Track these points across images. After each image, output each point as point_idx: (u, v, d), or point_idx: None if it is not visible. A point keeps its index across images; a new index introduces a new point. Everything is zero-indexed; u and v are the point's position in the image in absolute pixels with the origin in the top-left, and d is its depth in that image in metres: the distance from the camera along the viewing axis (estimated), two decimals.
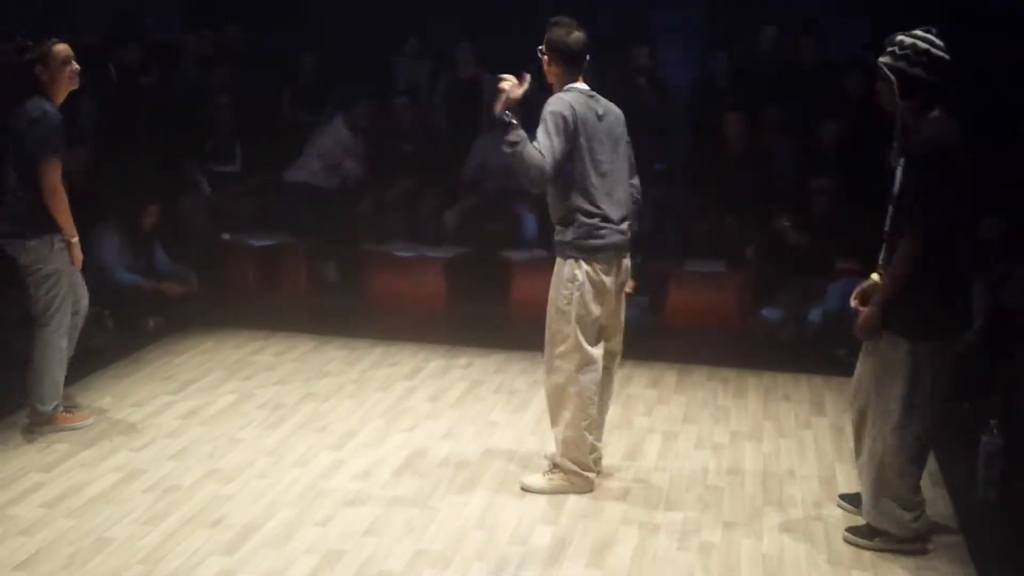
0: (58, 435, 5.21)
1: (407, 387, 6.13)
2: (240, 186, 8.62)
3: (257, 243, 8.17)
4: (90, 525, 4.34)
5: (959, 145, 4.01)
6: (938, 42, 4.04)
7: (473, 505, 4.61)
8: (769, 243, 7.47)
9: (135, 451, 5.10)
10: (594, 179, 4.51)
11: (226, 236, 8.23)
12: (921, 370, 4.08)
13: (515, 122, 4.32)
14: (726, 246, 7.69)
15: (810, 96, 8.06)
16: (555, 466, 4.78)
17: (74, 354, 5.44)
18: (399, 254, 7.94)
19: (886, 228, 4.17)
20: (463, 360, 6.63)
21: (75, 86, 5.16)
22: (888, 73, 4.04)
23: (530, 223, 8.09)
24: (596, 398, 4.66)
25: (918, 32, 4.06)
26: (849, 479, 4.95)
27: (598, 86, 4.65)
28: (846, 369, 6.38)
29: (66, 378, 5.39)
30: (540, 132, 4.41)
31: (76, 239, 5.16)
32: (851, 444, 5.33)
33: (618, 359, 4.87)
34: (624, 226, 4.62)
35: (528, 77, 4.46)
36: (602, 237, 4.54)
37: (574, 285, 4.53)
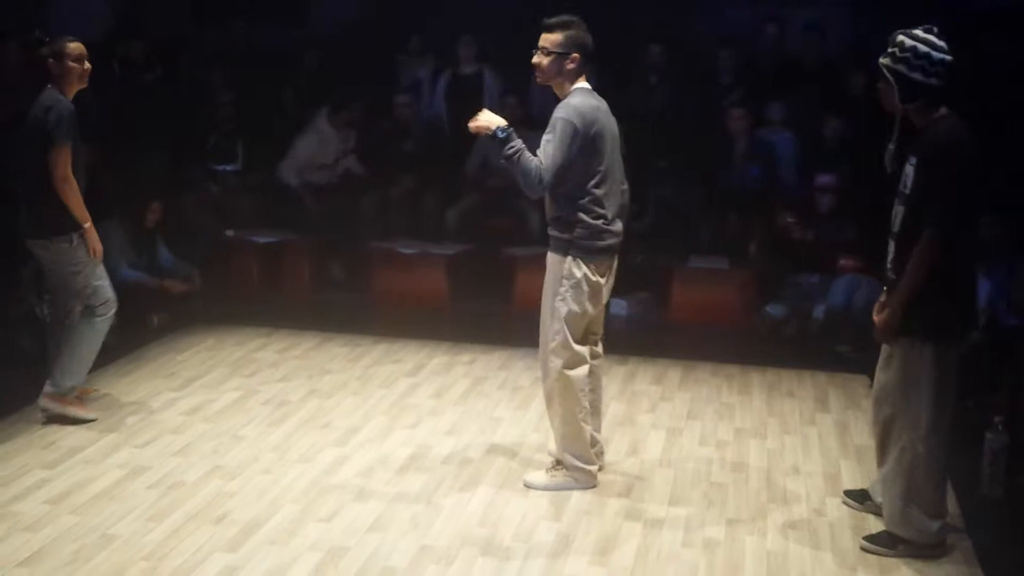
0: (60, 429, 5.22)
1: (410, 384, 6.12)
2: (242, 183, 8.62)
3: (260, 240, 8.17)
4: (94, 521, 4.34)
5: (971, 142, 3.96)
6: (939, 43, 3.96)
7: (477, 501, 4.61)
8: (773, 240, 7.47)
9: (139, 448, 5.10)
10: (598, 180, 4.49)
11: (229, 233, 8.23)
12: (947, 373, 4.04)
13: (509, 135, 4.34)
14: (730, 243, 7.69)
15: (814, 92, 8.04)
16: (558, 462, 4.78)
17: None
18: (402, 251, 7.94)
19: (895, 229, 4.11)
20: (466, 357, 6.63)
21: (84, 85, 5.27)
22: (888, 75, 3.99)
23: (533, 220, 8.08)
24: (588, 389, 4.67)
25: (918, 33, 3.98)
26: (854, 475, 4.95)
27: (597, 86, 4.63)
28: (850, 365, 6.46)
29: None
30: (547, 139, 4.39)
31: (89, 224, 5.23)
32: (855, 440, 5.38)
33: (601, 352, 4.88)
34: (619, 227, 4.62)
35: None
36: (604, 239, 4.54)
37: (572, 283, 4.53)
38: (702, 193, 8.02)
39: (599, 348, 4.84)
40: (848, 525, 4.48)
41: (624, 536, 4.33)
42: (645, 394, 6.04)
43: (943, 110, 4.01)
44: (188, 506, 4.49)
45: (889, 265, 4.16)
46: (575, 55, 4.47)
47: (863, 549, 4.27)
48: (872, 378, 4.54)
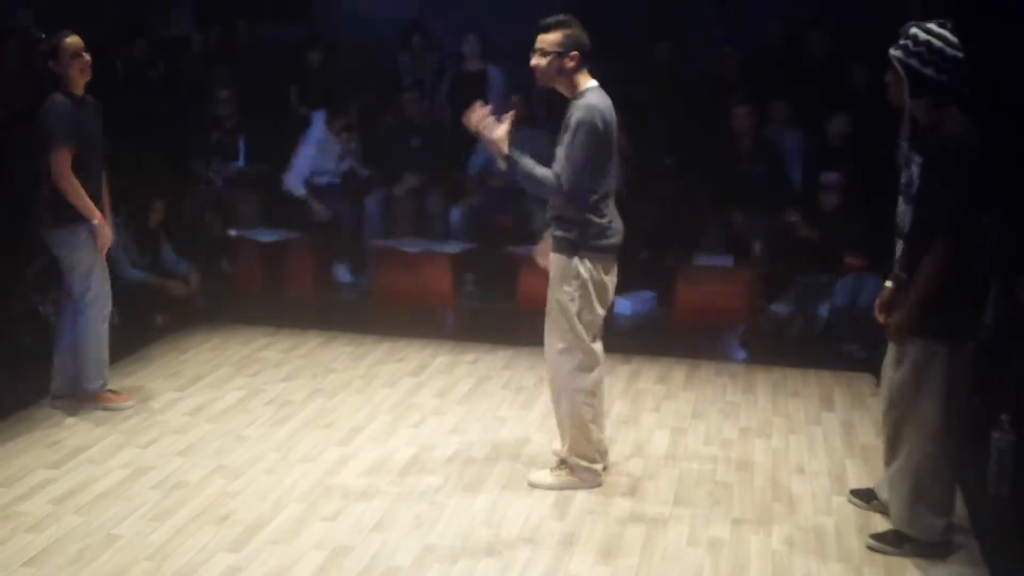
0: (64, 428, 5.21)
1: (414, 383, 6.11)
2: (245, 182, 8.60)
3: (263, 239, 8.15)
4: (98, 521, 4.34)
5: (977, 143, 3.91)
6: (952, 39, 3.90)
7: (481, 501, 4.60)
8: (778, 238, 7.44)
9: (142, 447, 5.10)
10: (607, 180, 4.49)
11: (232, 232, 8.21)
12: (959, 372, 4.02)
13: (513, 159, 4.35)
14: (734, 241, 7.67)
15: (819, 90, 8.01)
16: (562, 462, 4.76)
17: None
18: (406, 250, 7.93)
19: (904, 229, 4.08)
20: (470, 356, 6.61)
21: (87, 77, 5.27)
22: (899, 68, 3.95)
23: (538, 219, 8.07)
24: (599, 391, 4.66)
25: (932, 27, 3.91)
26: (859, 475, 4.93)
27: (602, 83, 4.60)
28: (855, 364, 6.44)
29: None
30: (569, 145, 4.37)
31: (97, 219, 5.25)
32: (861, 439, 5.36)
33: (601, 351, 4.86)
34: (621, 224, 4.61)
35: (511, 115, 4.44)
36: (610, 237, 4.53)
37: (579, 283, 4.51)
38: (707, 191, 8.00)
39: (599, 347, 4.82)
40: (854, 524, 4.46)
41: (629, 536, 4.32)
42: (649, 393, 6.02)
43: (951, 109, 3.96)
44: (192, 506, 4.49)
45: (897, 264, 4.13)
46: (574, 53, 4.44)
47: (869, 548, 4.25)
48: (878, 377, 4.52)
